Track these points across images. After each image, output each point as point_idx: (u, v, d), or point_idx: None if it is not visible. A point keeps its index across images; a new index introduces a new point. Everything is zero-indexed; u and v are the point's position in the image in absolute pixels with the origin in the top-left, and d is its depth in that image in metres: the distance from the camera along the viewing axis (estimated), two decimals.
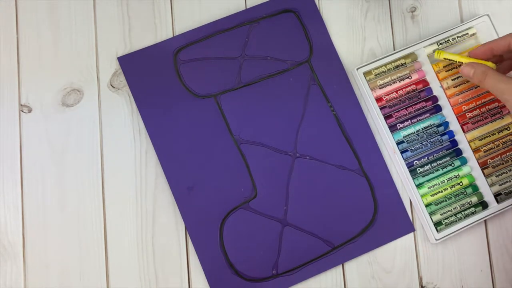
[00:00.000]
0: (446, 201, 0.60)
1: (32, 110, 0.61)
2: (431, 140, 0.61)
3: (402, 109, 0.61)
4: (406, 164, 0.60)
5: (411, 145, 0.61)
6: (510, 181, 0.60)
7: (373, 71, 0.62)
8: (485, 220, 0.61)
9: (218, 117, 0.61)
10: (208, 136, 0.61)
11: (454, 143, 0.61)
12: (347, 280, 0.59)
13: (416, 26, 0.65)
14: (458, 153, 0.61)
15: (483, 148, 0.61)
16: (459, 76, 0.62)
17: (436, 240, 0.59)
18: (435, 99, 0.62)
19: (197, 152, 0.61)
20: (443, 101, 0.62)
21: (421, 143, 0.61)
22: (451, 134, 0.61)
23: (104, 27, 0.63)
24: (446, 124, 0.61)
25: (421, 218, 0.59)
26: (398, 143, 0.60)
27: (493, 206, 0.60)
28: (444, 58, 0.59)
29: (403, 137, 0.61)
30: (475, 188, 0.60)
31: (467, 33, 0.63)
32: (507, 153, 0.61)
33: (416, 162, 0.60)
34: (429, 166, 0.60)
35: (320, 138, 0.61)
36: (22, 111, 0.61)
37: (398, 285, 0.59)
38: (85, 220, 0.59)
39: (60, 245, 0.59)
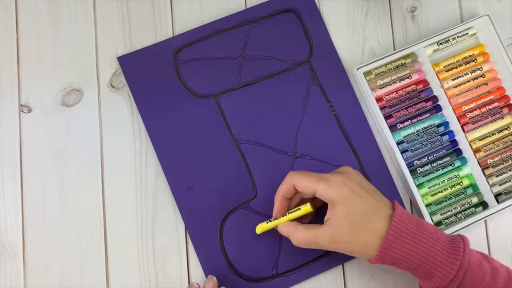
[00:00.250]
0: (446, 201, 0.60)
1: (32, 110, 0.61)
2: (431, 140, 0.61)
3: (402, 109, 0.61)
4: (406, 164, 0.60)
5: (411, 145, 0.61)
6: (510, 181, 0.60)
7: (373, 71, 0.62)
8: (485, 220, 0.61)
9: (218, 117, 0.61)
10: (208, 136, 0.61)
11: (454, 143, 0.61)
12: (347, 280, 0.59)
13: (416, 26, 0.65)
14: (458, 153, 0.61)
15: (483, 148, 0.61)
16: (459, 76, 0.62)
17: None
18: (435, 99, 0.62)
19: (197, 152, 0.61)
20: (443, 101, 0.62)
21: (421, 143, 0.61)
22: (451, 134, 0.61)
23: (104, 27, 0.63)
24: (446, 124, 0.61)
25: (421, 218, 0.59)
26: (398, 143, 0.60)
27: (493, 206, 0.60)
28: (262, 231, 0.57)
29: (403, 137, 0.61)
30: (475, 188, 0.60)
31: (467, 33, 0.63)
32: (507, 153, 0.61)
33: (416, 162, 0.60)
34: (429, 166, 0.60)
35: (320, 138, 0.61)
36: (22, 111, 0.61)
37: (398, 285, 0.59)
38: (85, 220, 0.59)
39: (60, 245, 0.59)
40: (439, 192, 0.60)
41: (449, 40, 0.63)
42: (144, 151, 0.61)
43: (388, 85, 0.62)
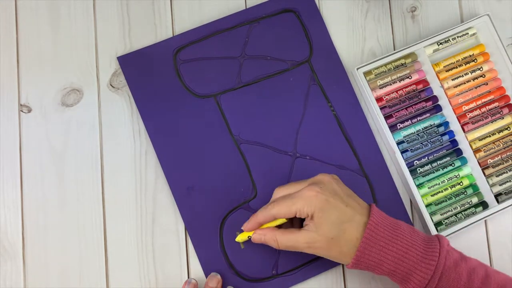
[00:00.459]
0: (446, 201, 0.60)
1: (32, 110, 0.61)
2: (432, 140, 0.61)
3: (402, 109, 0.61)
4: (406, 164, 0.60)
5: (411, 145, 0.61)
6: (510, 181, 0.60)
7: (373, 71, 0.62)
8: (485, 220, 0.61)
9: (218, 117, 0.61)
10: (208, 136, 0.61)
11: (454, 143, 0.61)
12: (347, 280, 0.59)
13: (416, 26, 0.65)
14: (458, 153, 0.61)
15: (484, 148, 0.61)
16: (460, 76, 0.62)
17: None
18: (435, 99, 0.61)
19: (197, 152, 0.61)
20: (443, 101, 0.62)
21: (421, 143, 0.61)
22: (451, 134, 0.61)
23: (104, 27, 0.63)
24: (446, 124, 0.61)
25: (421, 218, 0.59)
26: (398, 143, 0.60)
27: (494, 206, 0.60)
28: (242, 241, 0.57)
29: (403, 137, 0.61)
30: (475, 188, 0.60)
31: (467, 33, 0.63)
32: (507, 153, 0.61)
33: (416, 162, 0.60)
34: (429, 166, 0.60)
35: (320, 138, 0.61)
36: (22, 111, 0.61)
37: (398, 286, 0.59)
38: (85, 220, 0.59)
39: (60, 245, 0.59)
40: (439, 192, 0.60)
41: (449, 40, 0.63)
42: (144, 151, 0.61)
43: (388, 85, 0.62)
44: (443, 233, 0.58)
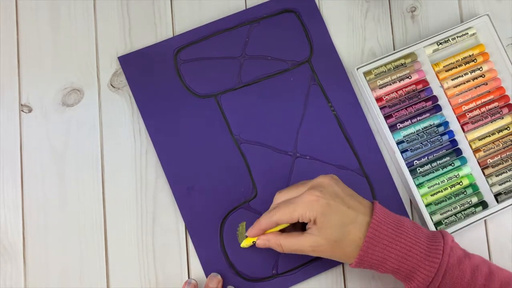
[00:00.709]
0: (446, 201, 0.60)
1: (32, 110, 0.61)
2: (431, 140, 0.61)
3: (402, 109, 0.61)
4: (406, 164, 0.60)
5: (411, 145, 0.61)
6: (510, 180, 0.60)
7: (373, 71, 0.62)
8: (485, 220, 0.61)
9: (219, 117, 0.61)
10: (209, 136, 0.61)
11: (454, 143, 0.61)
12: (347, 280, 0.59)
13: (416, 26, 0.65)
14: (458, 153, 0.61)
15: (483, 148, 0.61)
16: (459, 76, 0.62)
17: None
18: (435, 99, 0.62)
19: (197, 152, 0.61)
20: (443, 101, 0.62)
21: (421, 143, 0.61)
22: (451, 134, 0.61)
23: (104, 27, 0.63)
24: (446, 124, 0.61)
25: (421, 218, 0.59)
26: (398, 143, 0.60)
27: (493, 206, 0.60)
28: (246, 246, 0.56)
29: (403, 137, 0.61)
30: (475, 188, 0.60)
31: (467, 33, 0.63)
32: (507, 153, 0.61)
33: (416, 162, 0.60)
34: (429, 166, 0.60)
35: (320, 138, 0.61)
36: (22, 111, 0.61)
37: (398, 285, 0.59)
38: (85, 220, 0.59)
39: (60, 245, 0.59)
40: (439, 191, 0.60)
41: (449, 40, 0.63)
42: (144, 151, 0.61)
43: (388, 85, 0.62)
44: None
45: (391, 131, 0.61)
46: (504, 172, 0.61)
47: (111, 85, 0.62)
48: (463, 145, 0.61)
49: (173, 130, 0.61)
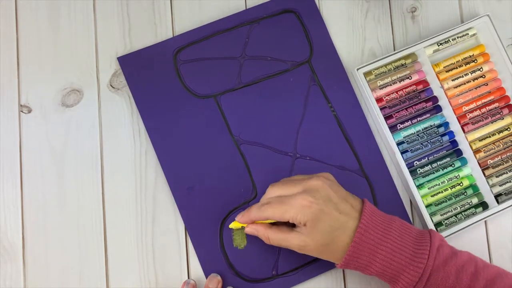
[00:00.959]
0: (446, 201, 0.60)
1: (32, 111, 0.61)
2: (432, 140, 0.61)
3: (403, 110, 0.61)
4: (406, 165, 0.60)
5: (412, 145, 0.61)
6: (510, 181, 0.60)
7: (373, 71, 0.62)
8: (485, 221, 0.61)
9: (218, 118, 0.61)
10: (208, 136, 0.61)
11: (454, 143, 0.61)
12: (347, 280, 0.59)
13: (416, 26, 0.65)
14: (458, 153, 0.61)
15: (484, 148, 0.61)
16: (460, 77, 0.62)
17: None
18: (435, 99, 0.61)
19: (197, 152, 0.61)
20: (443, 102, 0.62)
21: (422, 144, 0.61)
22: (451, 134, 0.61)
23: (104, 27, 0.63)
24: (446, 124, 0.61)
25: (421, 218, 0.59)
26: (398, 144, 0.60)
27: (494, 206, 0.60)
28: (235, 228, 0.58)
29: (404, 137, 0.61)
30: (475, 189, 0.60)
31: (467, 33, 0.63)
32: (508, 154, 0.61)
33: (416, 163, 0.60)
34: (429, 166, 0.60)
35: (320, 139, 0.61)
36: (22, 112, 0.61)
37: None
38: (85, 220, 0.59)
39: (60, 245, 0.59)
40: (439, 192, 0.60)
41: (449, 40, 0.63)
42: (144, 151, 0.61)
43: (388, 85, 0.62)
44: (443, 234, 0.58)
45: (391, 132, 0.61)
46: (504, 173, 0.61)
47: (111, 85, 0.62)
48: (464, 145, 0.61)
49: (172, 131, 0.61)
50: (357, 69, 0.61)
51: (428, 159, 0.60)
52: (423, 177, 0.60)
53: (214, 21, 0.63)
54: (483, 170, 0.61)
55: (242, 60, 0.62)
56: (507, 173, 0.60)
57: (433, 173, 0.60)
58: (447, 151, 0.61)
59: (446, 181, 0.60)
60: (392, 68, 0.62)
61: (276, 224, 0.54)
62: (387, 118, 0.61)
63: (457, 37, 0.63)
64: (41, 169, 0.60)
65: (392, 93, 0.61)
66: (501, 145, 0.61)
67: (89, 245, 0.59)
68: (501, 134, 0.61)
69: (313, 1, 0.64)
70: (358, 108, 0.62)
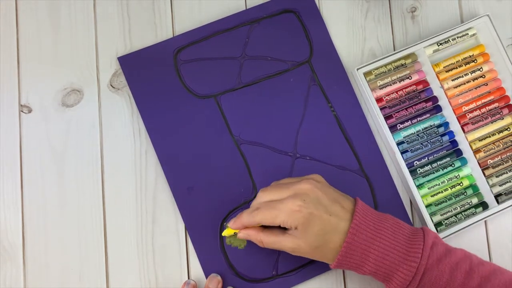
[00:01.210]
0: (446, 201, 0.60)
1: (32, 111, 0.61)
2: (432, 140, 0.61)
3: (402, 110, 0.61)
4: (406, 165, 0.60)
5: (411, 145, 0.61)
6: (510, 181, 0.60)
7: (373, 71, 0.62)
8: (485, 221, 0.61)
9: (218, 117, 0.61)
10: (208, 136, 0.61)
11: (454, 143, 0.61)
12: (347, 280, 0.59)
13: (416, 26, 0.65)
14: (458, 153, 0.61)
15: (484, 148, 0.61)
16: (460, 77, 0.62)
17: None
18: (435, 99, 0.62)
19: (197, 152, 0.61)
20: (443, 102, 0.62)
21: (421, 144, 0.61)
22: (451, 134, 0.61)
23: (104, 27, 0.63)
24: (446, 124, 0.61)
25: (421, 218, 0.59)
26: (398, 144, 0.60)
27: (494, 206, 0.60)
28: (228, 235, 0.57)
29: (403, 137, 0.61)
30: (475, 189, 0.60)
31: (467, 33, 0.63)
32: (508, 154, 0.61)
33: (416, 163, 0.60)
34: (429, 166, 0.60)
35: (320, 139, 0.61)
36: (22, 112, 0.61)
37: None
38: (85, 220, 0.59)
39: (60, 245, 0.59)
40: (439, 192, 0.60)
41: (449, 40, 0.63)
42: (144, 151, 0.61)
43: (388, 85, 0.62)
44: (443, 234, 0.58)
45: (391, 132, 0.61)
46: (504, 173, 0.61)
47: (111, 85, 0.62)
48: (464, 145, 0.61)
49: (173, 131, 0.61)
50: (357, 69, 0.61)
51: (428, 159, 0.60)
52: (423, 177, 0.60)
53: (214, 21, 0.63)
54: (483, 170, 0.61)
55: (242, 60, 0.62)
56: (507, 173, 0.61)
57: (433, 173, 0.60)
58: (447, 151, 0.61)
59: (446, 181, 0.60)
60: (392, 68, 0.62)
61: (268, 226, 0.54)
62: (387, 118, 0.61)
63: (457, 37, 0.63)
64: (41, 169, 0.60)
65: (392, 93, 0.61)
66: (501, 145, 0.61)
67: (89, 245, 0.59)
68: (501, 134, 0.61)
69: (313, 1, 0.64)
70: (358, 108, 0.62)
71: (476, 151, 0.61)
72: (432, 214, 0.59)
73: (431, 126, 0.61)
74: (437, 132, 0.61)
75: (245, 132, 0.61)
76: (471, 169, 0.61)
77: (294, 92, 0.62)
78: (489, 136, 0.61)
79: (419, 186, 0.60)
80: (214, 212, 0.59)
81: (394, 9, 0.65)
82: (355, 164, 0.61)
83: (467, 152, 0.61)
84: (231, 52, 0.63)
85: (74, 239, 0.59)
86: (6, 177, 0.60)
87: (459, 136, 0.61)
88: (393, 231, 0.51)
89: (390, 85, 0.62)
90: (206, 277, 0.58)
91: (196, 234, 0.59)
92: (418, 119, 0.61)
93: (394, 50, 0.64)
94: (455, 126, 0.61)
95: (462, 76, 0.62)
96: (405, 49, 0.62)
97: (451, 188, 0.60)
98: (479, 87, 0.62)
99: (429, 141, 0.61)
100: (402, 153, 0.60)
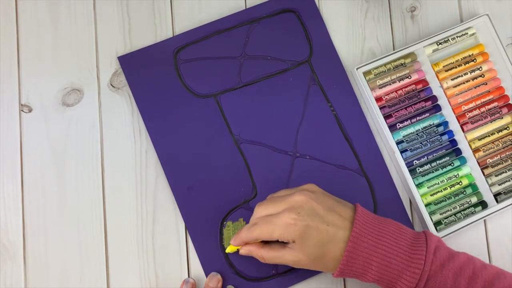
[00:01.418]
0: (445, 200, 0.60)
1: (32, 110, 0.61)
2: (431, 139, 0.61)
3: (402, 109, 0.61)
4: (406, 164, 0.60)
5: (411, 145, 0.61)
6: (509, 180, 0.61)
7: (373, 71, 0.62)
8: (484, 220, 0.61)
9: (218, 117, 0.61)
10: (208, 135, 0.61)
11: (453, 142, 0.61)
12: (347, 280, 0.59)
13: (416, 26, 0.65)
14: (457, 153, 0.61)
15: (483, 147, 0.61)
16: (459, 76, 0.62)
17: None
18: (434, 99, 0.62)
19: (197, 152, 0.61)
20: (442, 101, 0.62)
21: (421, 143, 0.61)
22: (450, 134, 0.61)
23: (104, 27, 0.63)
24: (445, 124, 0.61)
25: (421, 217, 0.59)
26: (397, 143, 0.61)
27: (493, 205, 0.60)
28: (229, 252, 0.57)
29: (403, 137, 0.61)
30: (474, 188, 0.60)
31: (467, 33, 0.63)
32: (507, 153, 0.61)
33: (415, 162, 0.60)
34: (428, 165, 0.60)
35: (320, 138, 0.61)
36: (22, 111, 0.61)
37: None
38: (85, 220, 0.59)
39: (60, 245, 0.59)
40: (439, 191, 0.60)
41: (448, 40, 0.63)
42: (144, 151, 0.61)
43: (387, 85, 0.62)
44: (442, 233, 0.58)
45: (391, 131, 0.61)
46: (503, 172, 0.61)
47: (111, 85, 0.62)
48: (463, 145, 0.61)
49: (173, 130, 0.61)
50: (357, 69, 0.61)
51: (427, 158, 0.61)
52: (422, 176, 0.60)
53: (214, 20, 0.63)
54: (482, 169, 0.61)
55: (242, 60, 0.63)
56: (506, 172, 0.61)
57: (433, 172, 0.60)
58: (446, 150, 0.61)
59: (445, 180, 0.60)
60: (392, 68, 0.62)
61: (269, 242, 0.54)
62: (386, 117, 0.61)
63: (457, 37, 0.63)
64: (42, 169, 0.60)
65: (391, 93, 0.62)
66: (500, 144, 0.61)
67: (89, 245, 0.59)
68: (500, 133, 0.62)
69: (313, 0, 0.64)
70: (358, 107, 0.62)
71: (475, 150, 0.61)
72: (431, 213, 0.59)
73: (430, 125, 0.61)
74: (436, 131, 0.61)
75: (245, 131, 0.61)
76: (471, 168, 0.61)
77: (294, 91, 0.62)
78: (489, 135, 0.61)
79: (418, 185, 0.60)
80: (214, 212, 0.60)
81: (393, 9, 0.65)
82: (355, 163, 0.61)
83: (466, 151, 0.61)
84: (231, 51, 0.63)
85: (74, 239, 0.59)
86: (6, 177, 0.60)
87: (459, 135, 0.61)
88: (395, 237, 0.51)
89: (390, 84, 0.62)
90: (206, 276, 0.58)
91: (196, 233, 0.59)
92: (418, 118, 0.61)
93: (394, 50, 0.64)
94: (454, 125, 0.61)
95: (462, 76, 0.62)
96: (405, 48, 0.62)
97: (450, 187, 0.60)
98: (478, 86, 0.62)
99: (428, 140, 0.61)
100: (401, 152, 0.60)
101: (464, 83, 0.62)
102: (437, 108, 0.61)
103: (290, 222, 0.50)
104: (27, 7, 0.63)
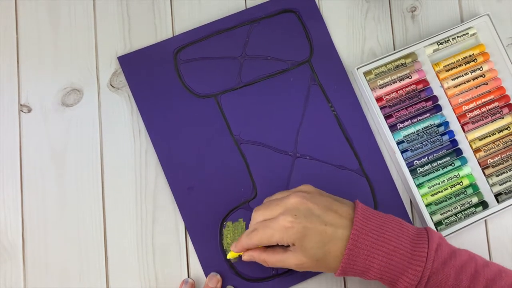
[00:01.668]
0: (446, 201, 0.60)
1: (32, 110, 0.61)
2: (431, 140, 0.61)
3: (402, 109, 0.61)
4: (406, 164, 0.60)
5: (411, 145, 0.61)
6: (510, 180, 0.60)
7: (373, 71, 0.62)
8: (485, 220, 0.61)
9: (218, 117, 0.61)
10: (208, 136, 0.61)
11: (454, 143, 0.61)
12: (347, 280, 0.59)
13: (416, 26, 0.65)
14: (458, 153, 0.61)
15: (484, 148, 0.61)
16: (460, 76, 0.62)
17: None
18: (435, 99, 0.62)
19: (197, 152, 0.61)
20: (443, 101, 0.62)
21: (421, 143, 0.61)
22: (451, 134, 0.61)
23: (104, 27, 0.63)
24: (446, 124, 0.61)
25: (421, 218, 0.59)
26: (398, 143, 0.60)
27: (494, 206, 0.60)
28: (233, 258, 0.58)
29: (403, 137, 0.61)
30: (475, 188, 0.60)
31: (467, 33, 0.63)
32: (507, 153, 0.61)
33: (416, 162, 0.60)
34: (429, 166, 0.60)
35: (320, 138, 0.61)
36: (22, 111, 0.61)
37: None
38: (85, 220, 0.59)
39: (60, 245, 0.59)
40: (439, 192, 0.60)
41: (449, 40, 0.63)
42: (144, 151, 0.61)
43: (388, 85, 0.62)
44: (443, 233, 0.58)
45: (391, 131, 0.61)
46: (504, 172, 0.61)
47: (111, 85, 0.62)
48: (464, 145, 0.61)
49: (173, 130, 0.61)
50: (357, 69, 0.61)
51: (428, 158, 0.60)
52: (423, 176, 0.60)
53: (214, 20, 0.63)
54: (483, 169, 0.61)
55: (242, 60, 0.63)
56: (507, 172, 0.61)
57: (433, 172, 0.60)
58: (447, 150, 0.61)
59: (446, 180, 0.60)
60: (392, 68, 0.62)
61: (270, 246, 0.54)
62: (387, 117, 0.61)
63: (457, 37, 0.63)
64: (41, 169, 0.60)
65: (392, 93, 0.61)
66: (501, 144, 0.61)
67: (89, 245, 0.59)
68: (501, 134, 0.61)
69: (313, 1, 0.64)
70: (358, 107, 0.62)
71: (476, 151, 0.61)
72: (432, 214, 0.59)
73: (431, 125, 0.61)
74: (437, 132, 0.61)
75: (245, 131, 0.61)
76: (471, 168, 0.61)
77: (294, 91, 0.62)
78: (489, 136, 0.61)
79: (419, 186, 0.60)
80: (214, 212, 0.59)
81: (394, 9, 0.65)
82: (355, 164, 0.61)
83: (467, 152, 0.61)
84: (231, 51, 0.63)
85: (73, 239, 0.59)
86: (6, 177, 0.60)
87: (459, 136, 0.61)
88: (396, 234, 0.50)
89: (390, 84, 0.62)
90: (206, 276, 0.58)
91: (196, 233, 0.59)
92: (418, 118, 0.61)
93: (394, 50, 0.64)
94: (455, 126, 0.61)
95: (462, 76, 0.62)
96: (405, 48, 0.62)
97: (451, 188, 0.60)
98: (479, 86, 0.62)
99: (429, 141, 0.61)
100: (402, 152, 0.60)
101: (464, 83, 0.62)
102: (437, 108, 0.61)
103: (288, 225, 0.50)
104: (27, 7, 0.63)
